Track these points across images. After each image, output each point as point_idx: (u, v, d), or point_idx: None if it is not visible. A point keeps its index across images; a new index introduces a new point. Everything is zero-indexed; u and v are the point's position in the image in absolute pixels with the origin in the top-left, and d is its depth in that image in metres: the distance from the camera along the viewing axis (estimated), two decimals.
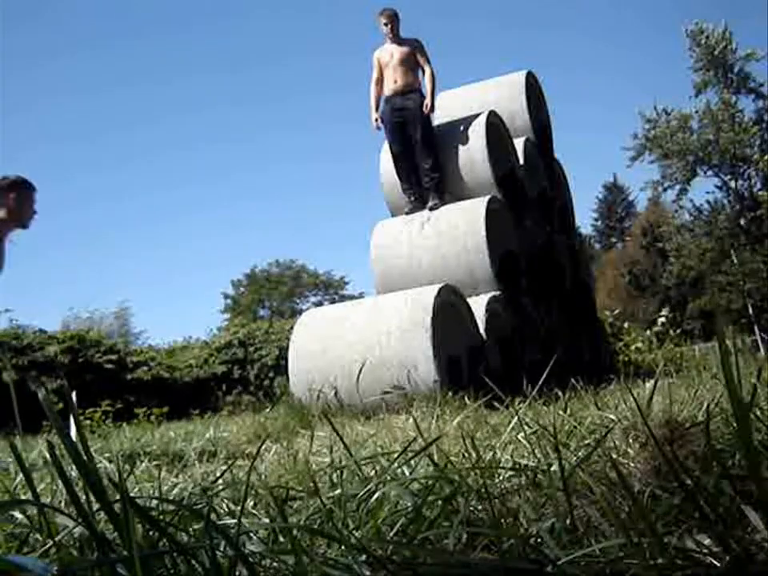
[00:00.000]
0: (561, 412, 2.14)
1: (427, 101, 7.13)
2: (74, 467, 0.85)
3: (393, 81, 7.26)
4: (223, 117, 67.52)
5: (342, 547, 1.01)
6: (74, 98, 61.55)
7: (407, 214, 7.12)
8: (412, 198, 7.21)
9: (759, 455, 1.05)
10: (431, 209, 7.01)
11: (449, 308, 5.63)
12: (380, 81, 7.37)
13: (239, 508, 1.25)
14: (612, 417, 1.94)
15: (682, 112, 25.77)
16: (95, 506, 0.87)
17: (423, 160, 7.13)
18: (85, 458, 0.84)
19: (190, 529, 1.16)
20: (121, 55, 63.15)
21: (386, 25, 7.27)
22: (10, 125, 57.85)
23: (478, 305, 6.07)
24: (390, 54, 7.27)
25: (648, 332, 14.55)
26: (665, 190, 27.11)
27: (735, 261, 25.35)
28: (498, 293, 6.46)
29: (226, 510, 1.45)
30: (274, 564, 0.99)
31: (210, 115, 67.56)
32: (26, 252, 59.44)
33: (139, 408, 9.63)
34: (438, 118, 8.51)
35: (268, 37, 67.67)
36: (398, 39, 7.29)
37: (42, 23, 59.00)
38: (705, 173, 26.27)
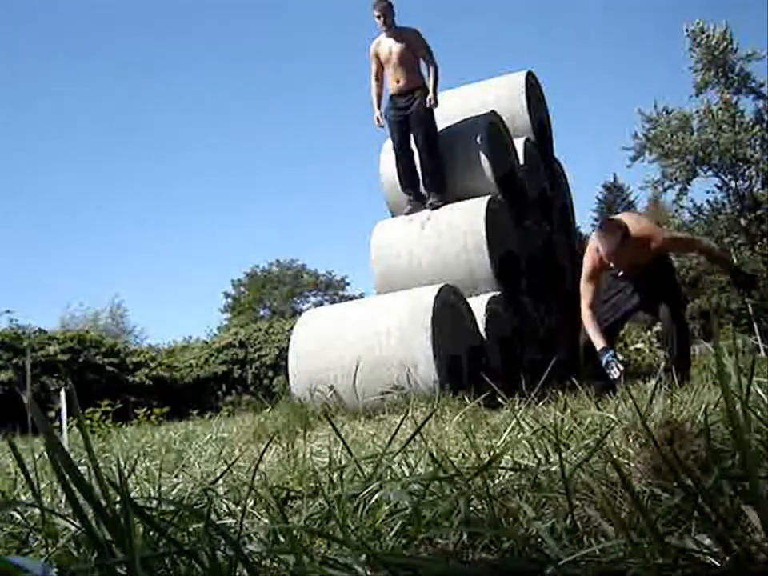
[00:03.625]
0: (561, 412, 2.14)
1: (430, 96, 7.05)
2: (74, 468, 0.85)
3: (395, 80, 7.12)
4: (225, 115, 67.58)
5: (342, 547, 1.01)
6: (70, 92, 61.59)
7: (407, 214, 7.09)
8: (412, 198, 7.19)
9: (756, 455, 1.05)
10: (432, 207, 6.96)
11: (449, 308, 5.63)
12: (380, 75, 7.28)
13: (239, 508, 1.25)
14: (612, 417, 1.94)
15: (683, 111, 25.78)
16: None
17: (425, 160, 7.08)
18: (70, 461, 0.83)
19: (190, 528, 1.16)
20: (122, 51, 63.14)
21: (379, 17, 7.06)
22: (5, 119, 58.01)
23: (478, 305, 6.07)
24: (388, 49, 7.11)
25: (648, 332, 14.53)
26: (665, 189, 27.13)
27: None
28: (497, 293, 6.46)
29: (226, 510, 1.45)
30: (274, 564, 0.99)
31: (211, 113, 67.61)
32: (26, 250, 59.50)
33: (139, 408, 9.63)
34: (438, 119, 8.50)
35: (271, 34, 67.69)
36: (394, 32, 7.10)
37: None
38: (705, 173, 26.28)
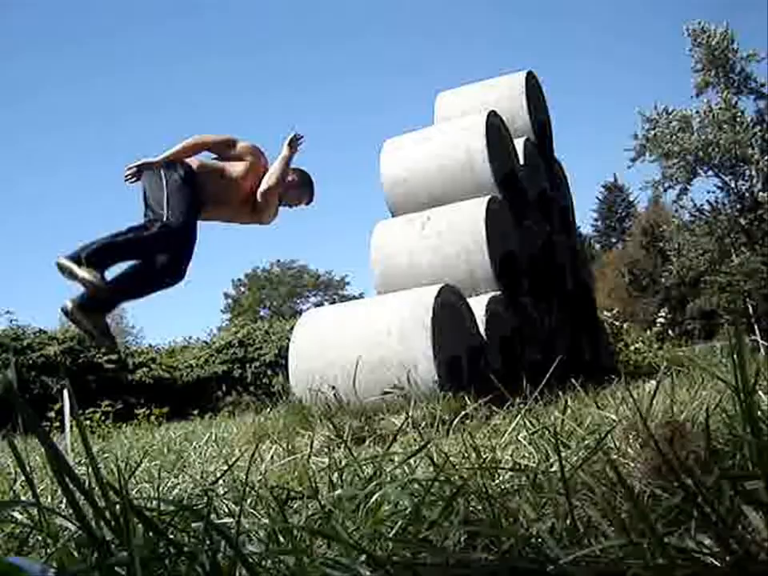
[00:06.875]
0: (561, 412, 2.14)
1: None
2: (81, 468, 0.85)
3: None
4: (225, 112, 67.57)
5: (342, 547, 1.00)
6: (69, 89, 61.59)
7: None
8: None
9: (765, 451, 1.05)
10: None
11: (449, 308, 5.63)
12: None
13: (239, 508, 1.25)
14: (612, 417, 1.94)
15: (683, 112, 25.79)
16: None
17: None
18: (66, 463, 0.83)
19: (190, 529, 1.16)
20: (123, 42, 63.16)
21: None
22: (4, 116, 57.96)
23: (478, 305, 6.06)
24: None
25: (648, 332, 14.53)
26: (665, 190, 27.17)
27: (735, 261, 25.36)
28: (498, 293, 6.46)
29: (226, 510, 1.45)
30: (274, 564, 0.99)
31: (211, 110, 67.61)
32: (26, 250, 59.43)
33: (139, 408, 9.64)
34: (439, 118, 8.51)
35: (271, 30, 67.71)
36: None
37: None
38: (705, 173, 26.30)
